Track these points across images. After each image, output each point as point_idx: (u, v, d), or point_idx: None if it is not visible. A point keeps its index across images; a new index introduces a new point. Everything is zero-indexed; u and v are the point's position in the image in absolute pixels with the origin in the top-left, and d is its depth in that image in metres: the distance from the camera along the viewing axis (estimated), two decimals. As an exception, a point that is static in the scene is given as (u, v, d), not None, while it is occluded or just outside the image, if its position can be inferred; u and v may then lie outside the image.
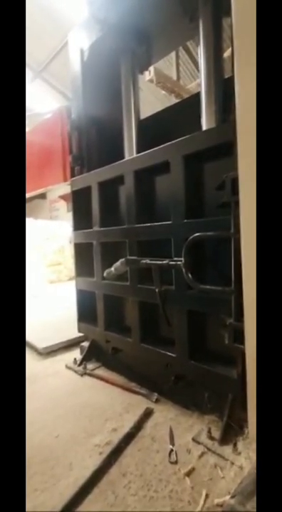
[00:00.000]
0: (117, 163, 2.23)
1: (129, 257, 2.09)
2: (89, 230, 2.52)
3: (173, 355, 1.90)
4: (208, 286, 1.59)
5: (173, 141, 1.80)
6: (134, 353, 2.22)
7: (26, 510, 1.21)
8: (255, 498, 1.06)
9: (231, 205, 1.44)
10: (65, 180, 2.83)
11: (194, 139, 1.69)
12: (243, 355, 1.45)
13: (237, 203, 1.40)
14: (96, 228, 2.44)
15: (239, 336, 1.44)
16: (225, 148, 1.50)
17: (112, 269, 2.26)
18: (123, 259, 2.13)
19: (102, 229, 2.39)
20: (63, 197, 3.65)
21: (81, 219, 2.64)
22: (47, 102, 8.91)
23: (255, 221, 0.77)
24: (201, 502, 1.23)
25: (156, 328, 2.21)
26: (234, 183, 1.39)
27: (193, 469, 1.41)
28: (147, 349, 2.07)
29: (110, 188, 2.41)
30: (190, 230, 1.69)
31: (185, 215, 1.76)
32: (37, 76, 8.55)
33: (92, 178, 2.45)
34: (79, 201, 2.66)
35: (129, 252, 2.12)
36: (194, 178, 1.79)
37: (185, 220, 1.75)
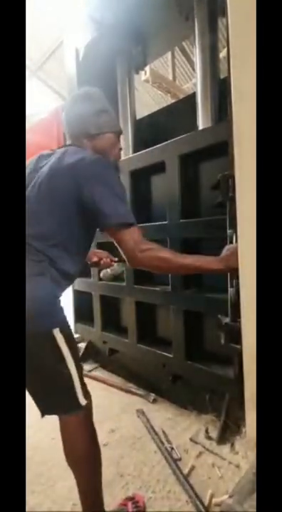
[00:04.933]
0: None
1: (125, 258, 2.09)
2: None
3: (170, 355, 1.89)
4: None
5: (168, 141, 1.80)
6: (130, 353, 2.22)
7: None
8: (253, 497, 1.06)
9: (227, 205, 1.44)
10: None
11: (190, 139, 1.69)
12: (239, 355, 1.45)
13: (232, 202, 1.40)
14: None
15: (235, 336, 1.44)
16: (221, 148, 1.50)
17: (109, 269, 2.26)
18: (119, 260, 2.12)
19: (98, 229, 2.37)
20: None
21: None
22: (43, 102, 8.86)
23: (254, 220, 0.77)
24: (207, 501, 1.23)
25: (153, 329, 2.21)
26: (229, 182, 1.40)
27: (191, 469, 1.41)
28: (144, 349, 2.06)
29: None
30: (186, 230, 1.68)
31: (181, 215, 1.75)
32: (32, 75, 8.51)
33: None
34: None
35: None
36: (190, 178, 1.79)
37: (181, 220, 1.75)
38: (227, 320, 1.48)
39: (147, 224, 1.98)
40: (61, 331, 0.95)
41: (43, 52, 7.71)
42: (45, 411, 1.01)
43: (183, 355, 1.81)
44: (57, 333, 0.94)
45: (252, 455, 1.44)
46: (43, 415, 1.01)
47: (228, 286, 1.47)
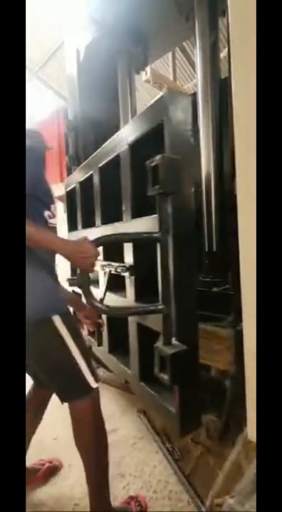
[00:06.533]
0: (87, 160, 2.06)
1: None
2: (75, 232, 2.43)
3: (129, 371, 1.54)
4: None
5: (119, 130, 1.59)
6: (106, 362, 1.94)
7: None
8: (254, 498, 1.06)
9: (156, 199, 1.09)
10: (62, 180, 2.82)
11: (136, 122, 1.42)
12: (179, 388, 1.10)
13: (162, 196, 1.10)
14: (80, 229, 2.32)
15: (166, 364, 0.99)
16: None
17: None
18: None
19: (82, 230, 2.27)
20: (60, 198, 3.65)
21: (74, 220, 2.55)
22: (43, 103, 8.88)
23: (255, 220, 0.77)
24: (208, 502, 1.23)
25: (125, 339, 1.71)
26: (155, 171, 1.08)
27: (192, 469, 1.41)
28: (114, 360, 1.76)
29: (88, 187, 2.09)
30: (138, 229, 1.32)
31: (133, 214, 1.44)
32: (33, 76, 8.52)
33: (76, 178, 2.35)
34: (71, 201, 2.59)
35: (103, 256, 1.71)
36: (142, 171, 1.26)
37: (131, 220, 1.44)
38: (158, 343, 1.04)
39: (108, 225, 1.71)
40: (62, 319, 0.97)
41: (43, 53, 7.72)
42: (62, 399, 1.04)
43: (137, 375, 1.45)
44: (57, 320, 0.96)
45: (253, 455, 1.44)
46: (62, 403, 1.05)
47: (160, 299, 1.06)
